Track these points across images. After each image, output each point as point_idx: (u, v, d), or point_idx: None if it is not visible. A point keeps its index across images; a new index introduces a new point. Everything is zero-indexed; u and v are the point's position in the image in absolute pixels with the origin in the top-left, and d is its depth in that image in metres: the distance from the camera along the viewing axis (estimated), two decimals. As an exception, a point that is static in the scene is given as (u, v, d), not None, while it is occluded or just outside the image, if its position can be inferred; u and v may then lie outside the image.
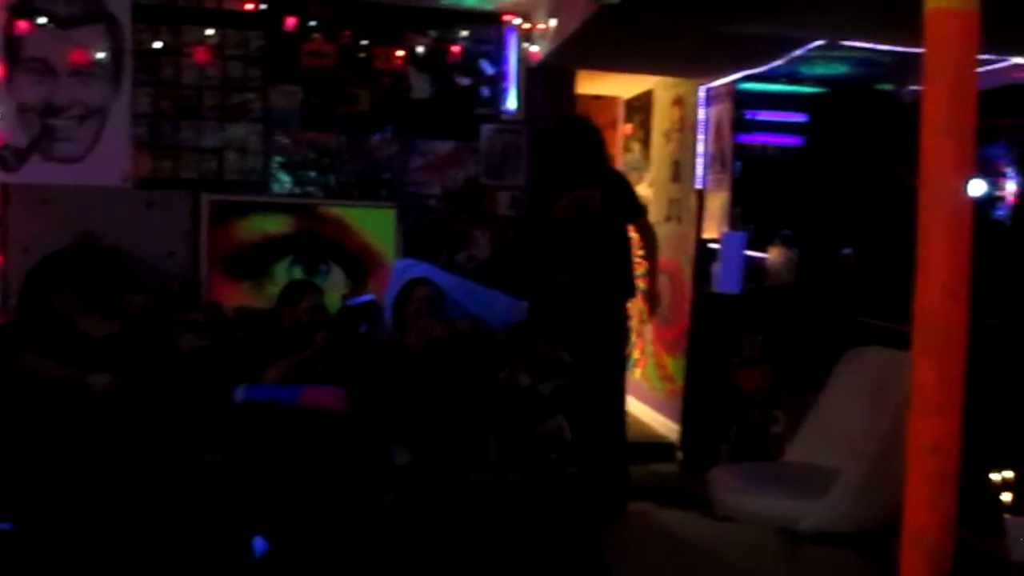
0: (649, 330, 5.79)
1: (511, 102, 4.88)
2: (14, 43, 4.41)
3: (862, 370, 2.76)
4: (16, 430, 3.19)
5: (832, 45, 3.81)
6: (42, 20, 4.40)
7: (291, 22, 4.58)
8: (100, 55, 4.46)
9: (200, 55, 4.54)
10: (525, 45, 4.76)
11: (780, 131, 4.80)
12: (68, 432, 3.16)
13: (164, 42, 4.54)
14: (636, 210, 4.21)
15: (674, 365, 5.29)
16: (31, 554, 2.98)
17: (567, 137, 4.13)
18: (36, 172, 4.47)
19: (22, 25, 4.39)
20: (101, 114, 4.52)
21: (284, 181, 4.73)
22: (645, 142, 5.98)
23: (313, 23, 4.64)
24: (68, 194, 4.46)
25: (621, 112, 6.56)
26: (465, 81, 4.85)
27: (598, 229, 4.00)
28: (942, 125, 1.61)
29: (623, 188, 4.17)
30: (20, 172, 4.47)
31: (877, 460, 2.32)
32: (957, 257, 1.68)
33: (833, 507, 2.33)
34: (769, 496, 2.49)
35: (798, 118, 4.79)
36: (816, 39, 3.73)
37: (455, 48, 4.80)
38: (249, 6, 4.58)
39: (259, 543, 3.17)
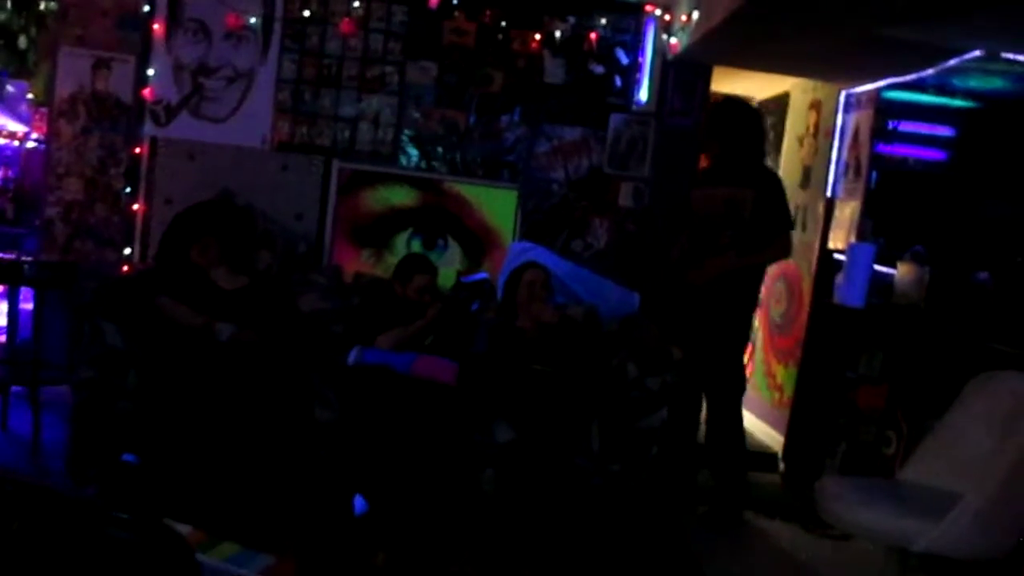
0: (760, 337, 5.67)
1: (643, 94, 4.84)
2: (176, 3, 4.65)
3: (994, 394, 2.63)
4: (150, 369, 3.37)
5: (991, 57, 3.62)
6: (203, -17, 4.62)
7: (435, 1, 4.66)
8: (252, 20, 4.66)
9: (345, 26, 4.67)
10: (664, 37, 4.71)
11: (923, 144, 4.60)
12: (194, 375, 3.32)
13: (312, 11, 4.69)
14: (784, 224, 3.92)
15: (785, 375, 5.16)
16: (152, 488, 3.16)
17: (729, 120, 3.89)
18: (184, 128, 4.72)
19: (184, -13, 4.62)
20: (248, 77, 4.73)
21: (412, 155, 4.83)
22: (776, 146, 5.84)
23: (456, 1, 4.71)
24: (211, 151, 4.69)
25: (754, 113, 6.41)
26: (599, 69, 4.84)
27: (744, 234, 3.81)
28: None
29: (779, 195, 3.89)
30: (169, 127, 4.72)
31: (1004, 486, 2.21)
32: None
33: (952, 530, 2.23)
34: (883, 511, 2.40)
35: (944, 132, 4.58)
36: (975, 49, 3.55)
37: (592, 35, 4.79)
38: (396, -19, 4.69)
39: (359, 502, 3.27)
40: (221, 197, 4.45)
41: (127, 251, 4.70)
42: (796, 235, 5.14)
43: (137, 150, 4.68)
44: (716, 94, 5.59)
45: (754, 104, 6.28)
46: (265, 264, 4.26)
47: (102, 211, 4.69)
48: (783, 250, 3.94)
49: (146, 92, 4.67)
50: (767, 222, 3.82)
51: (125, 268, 4.63)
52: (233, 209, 4.13)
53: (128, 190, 4.68)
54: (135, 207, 4.70)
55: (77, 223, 4.67)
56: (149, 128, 4.70)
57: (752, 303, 4.05)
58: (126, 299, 3.57)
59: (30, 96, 5.15)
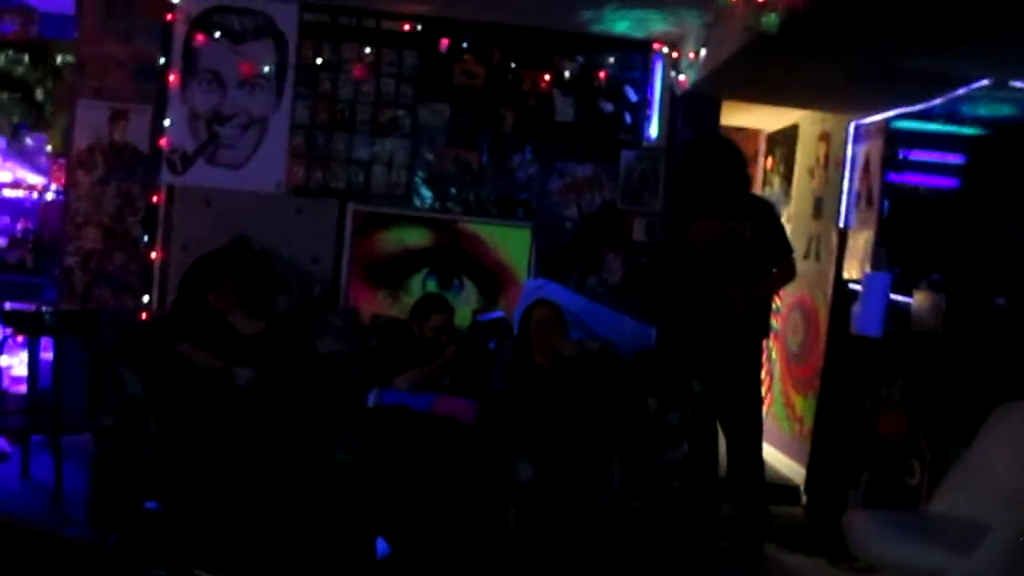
0: (779, 368, 5.65)
1: (653, 129, 4.88)
2: (191, 54, 4.74)
3: (1019, 424, 2.61)
4: (170, 415, 3.38)
5: (999, 85, 3.65)
6: (217, 34, 4.71)
7: (445, 43, 4.74)
8: (266, 68, 4.74)
9: (357, 71, 4.75)
10: (672, 73, 4.76)
11: (934, 172, 4.61)
12: (214, 420, 3.33)
13: (325, 58, 4.77)
14: (785, 249, 4.02)
15: (804, 405, 5.13)
16: (174, 536, 3.16)
17: (713, 156, 3.97)
18: (200, 175, 4.78)
19: (200, 38, 4.71)
20: (263, 124, 4.80)
21: (426, 196, 4.87)
22: (787, 177, 5.86)
23: (465, 44, 4.78)
24: (227, 197, 4.75)
25: (763, 145, 6.45)
26: (609, 106, 4.89)
27: (746, 265, 3.85)
28: None
29: (774, 223, 4.01)
30: (186, 175, 4.78)
31: (1035, 517, 2.19)
32: None
33: (984, 563, 2.20)
34: (915, 546, 2.38)
35: (955, 159, 4.59)
36: (983, 78, 3.58)
37: (601, 73, 4.85)
38: (406, 27, 4.76)
39: (382, 545, 3.25)
40: (237, 242, 4.50)
41: (145, 298, 4.74)
42: (811, 265, 5.17)
43: (154, 198, 4.74)
44: (726, 127, 5.64)
45: (763, 135, 6.33)
46: (282, 308, 4.28)
47: (120, 259, 4.73)
48: (790, 274, 4.07)
49: (163, 141, 4.75)
50: (768, 251, 3.91)
51: (144, 315, 4.67)
52: (249, 254, 4.18)
53: (146, 238, 4.73)
54: (153, 254, 4.74)
55: (96, 271, 4.72)
56: (166, 176, 4.77)
57: (765, 332, 4.10)
58: (145, 346, 3.60)
59: (48, 148, 5.24)
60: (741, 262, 3.85)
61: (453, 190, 4.88)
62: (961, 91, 3.80)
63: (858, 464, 4.18)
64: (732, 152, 4.02)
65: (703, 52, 4.27)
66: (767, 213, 4.02)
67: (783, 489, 4.78)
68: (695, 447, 3.76)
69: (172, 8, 4.71)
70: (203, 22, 4.74)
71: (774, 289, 4.08)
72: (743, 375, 3.95)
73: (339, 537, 3.28)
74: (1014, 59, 3.26)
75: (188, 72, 4.76)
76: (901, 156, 4.57)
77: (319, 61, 4.77)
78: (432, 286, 4.80)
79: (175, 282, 4.45)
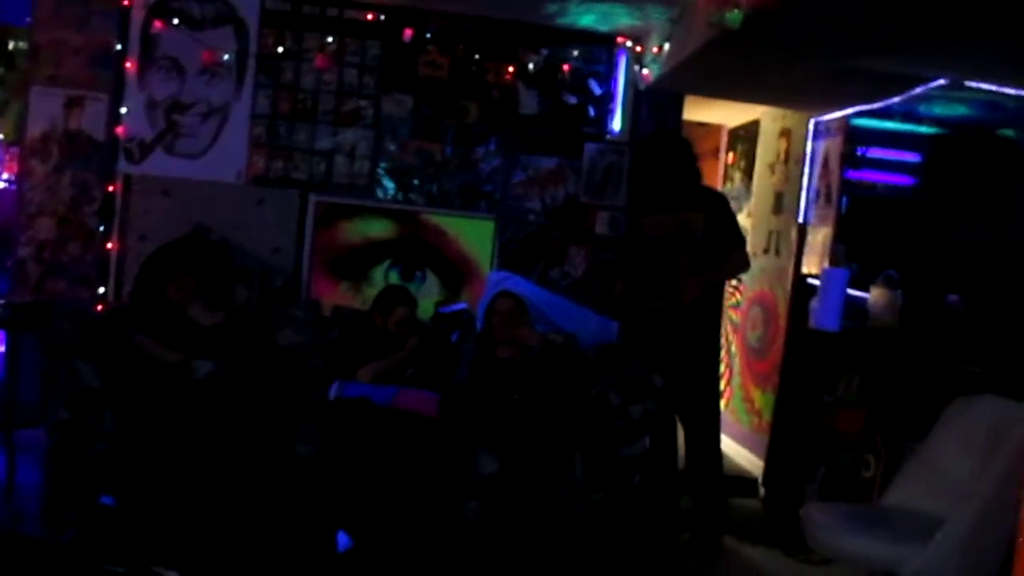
0: (739, 362, 5.71)
1: (617, 123, 4.89)
2: (149, 41, 4.66)
3: (972, 419, 2.67)
4: (127, 409, 3.33)
5: (956, 85, 3.71)
6: (176, 21, 4.63)
7: (408, 33, 4.70)
8: (227, 56, 4.67)
9: (320, 61, 4.70)
10: (636, 67, 4.77)
11: (892, 170, 4.69)
12: (172, 413, 3.28)
13: (287, 47, 4.71)
14: (738, 240, 4.10)
15: (763, 400, 5.20)
16: (130, 531, 3.11)
17: (663, 150, 4.04)
18: (158, 165, 4.70)
19: (158, 24, 4.62)
20: (223, 113, 4.72)
21: (389, 187, 4.84)
22: (747, 172, 5.92)
23: (429, 35, 4.75)
24: (185, 187, 4.67)
25: (725, 140, 6.50)
26: (573, 100, 4.90)
27: (699, 256, 3.93)
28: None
29: (726, 215, 4.08)
30: (143, 164, 4.70)
31: (987, 508, 2.24)
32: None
33: (938, 555, 2.25)
34: (870, 538, 2.42)
35: (912, 158, 4.67)
36: (940, 78, 3.64)
37: (565, 66, 4.85)
38: (370, 16, 4.72)
39: (343, 538, 3.23)
40: (196, 233, 4.44)
41: (101, 290, 4.66)
42: (771, 260, 5.23)
43: (111, 188, 4.65)
44: (688, 123, 5.68)
45: (725, 131, 6.39)
46: (242, 299, 4.23)
47: (75, 250, 4.64)
48: (742, 264, 4.11)
49: (119, 129, 4.65)
50: (720, 242, 3.96)
51: (100, 307, 4.58)
52: (208, 244, 4.11)
53: (102, 228, 4.64)
54: (109, 245, 4.66)
55: (50, 262, 4.62)
56: (123, 165, 4.68)
57: (718, 322, 4.16)
58: (102, 338, 3.53)
59: (0, 136, 5.12)
60: (693, 253, 3.92)
61: (416, 181, 4.85)
62: (919, 90, 3.86)
63: (815, 458, 4.24)
64: (681, 146, 4.08)
65: (667, 47, 4.29)
66: (719, 205, 4.08)
67: (742, 481, 4.85)
68: (655, 440, 3.79)
69: (129, -7, 4.62)
70: (161, 8, 4.65)
71: (725, 276, 4.14)
72: (700, 367, 4.00)
73: (300, 531, 3.26)
74: (970, 60, 3.32)
75: (146, 59, 4.67)
76: (860, 154, 4.64)
77: (281, 50, 4.71)
78: (395, 278, 4.78)
79: (132, 273, 4.37)
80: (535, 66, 4.84)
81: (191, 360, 3.48)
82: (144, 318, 3.62)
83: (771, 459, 4.80)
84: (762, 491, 4.81)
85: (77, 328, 3.55)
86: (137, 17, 4.64)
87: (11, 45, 5.21)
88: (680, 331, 3.92)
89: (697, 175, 4.18)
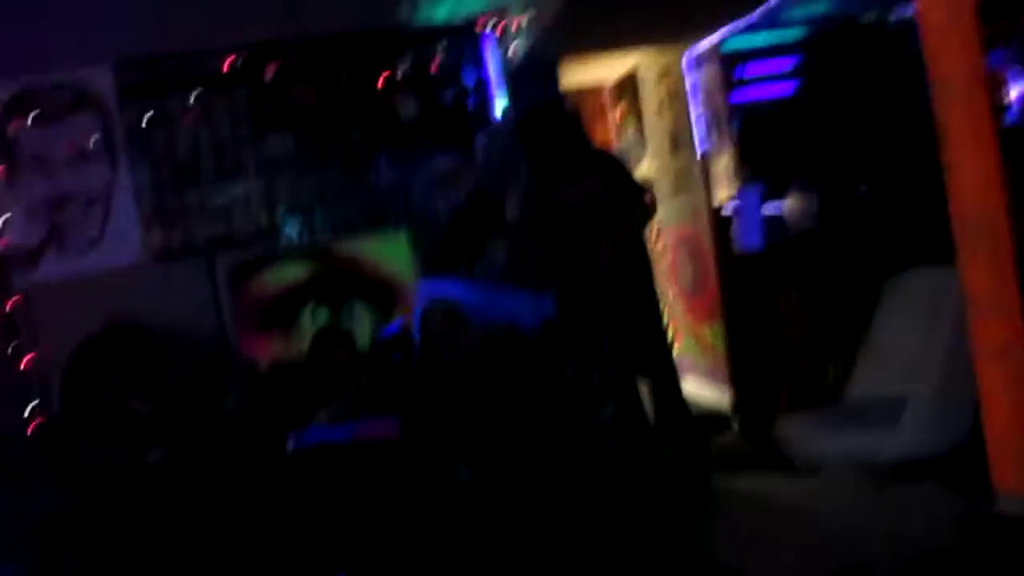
0: (679, 305, 5.75)
1: (500, 106, 4.87)
2: (10, 145, 4.46)
3: (911, 292, 2.72)
4: (84, 517, 3.20)
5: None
6: (32, 117, 4.44)
7: (272, 69, 4.60)
8: (93, 139, 4.50)
9: (189, 120, 4.57)
10: (504, 47, 4.76)
11: (773, 81, 4.77)
12: (134, 508, 3.18)
13: (152, 116, 4.56)
14: (635, 190, 4.18)
15: (712, 333, 5.24)
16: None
17: (544, 126, 4.14)
18: (53, 268, 4.50)
19: (14, 126, 4.44)
20: (105, 198, 4.56)
21: (293, 228, 4.74)
22: (639, 122, 5.96)
23: (292, 67, 4.66)
24: (87, 282, 4.49)
25: (609, 98, 6.54)
26: (450, 95, 4.85)
27: (607, 217, 3.97)
28: (941, 25, 1.58)
29: (619, 171, 4.17)
30: (38, 271, 4.50)
31: (944, 377, 2.28)
32: (985, 154, 1.66)
33: (909, 433, 2.29)
34: (843, 434, 2.45)
35: (788, 64, 4.76)
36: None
37: (434, 65, 4.80)
38: (227, 64, 4.61)
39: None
40: (111, 326, 4.27)
41: (27, 409, 4.45)
42: (683, 199, 5.28)
43: (9, 304, 4.45)
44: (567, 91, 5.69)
45: (606, 90, 6.42)
46: (176, 378, 4.10)
47: (-13, 376, 4.43)
48: (644, 212, 4.21)
49: (2, 243, 4.46)
50: (622, 197, 4.04)
51: (30, 428, 4.38)
52: (126, 334, 3.98)
53: (12, 346, 4.44)
54: (24, 362, 4.45)
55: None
56: (17, 278, 4.48)
57: (648, 272, 4.22)
58: (51, 453, 3.40)
59: None
60: (601, 216, 3.97)
61: (318, 215, 4.76)
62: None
63: (777, 375, 4.30)
64: (560, 117, 4.19)
65: (527, 17, 4.28)
66: (611, 163, 4.19)
67: (714, 418, 4.88)
68: (619, 403, 3.80)
69: (-26, 105, 4.43)
70: (12, 109, 4.46)
71: (632, 229, 4.18)
72: (644, 318, 4.03)
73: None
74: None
75: (11, 164, 4.47)
76: (738, 75, 4.71)
77: (146, 120, 4.56)
78: (323, 316, 4.68)
79: (57, 385, 4.20)
80: (404, 72, 4.79)
81: (140, 453, 3.37)
82: (80, 426, 3.49)
83: (737, 388, 4.85)
84: (735, 422, 4.86)
85: (12, 455, 3.40)
86: (-9, 125, 4.45)
87: None
88: (619, 292, 3.94)
89: (584, 140, 4.26)
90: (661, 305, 4.38)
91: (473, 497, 3.33)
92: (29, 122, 4.45)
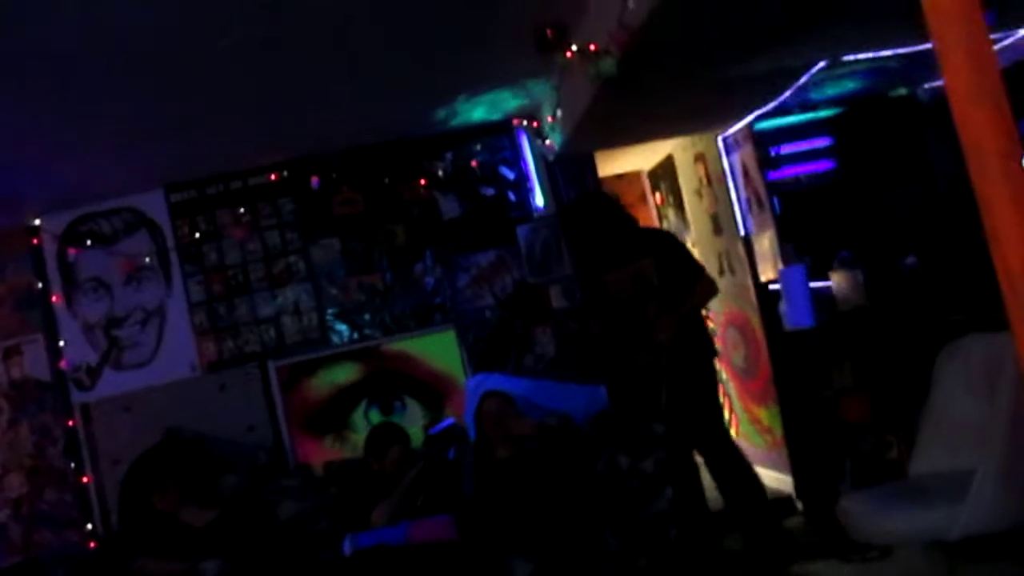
0: (733, 387, 5.66)
1: (539, 199, 4.95)
2: (68, 269, 4.65)
3: (964, 361, 2.65)
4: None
5: (835, 63, 3.83)
6: (89, 242, 4.64)
7: (316, 180, 4.76)
8: (147, 259, 4.67)
9: (238, 233, 4.72)
10: (539, 142, 4.87)
11: (808, 159, 4.79)
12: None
13: (202, 231, 4.73)
14: (695, 269, 4.11)
15: (768, 416, 5.14)
16: None
17: (586, 213, 4.13)
18: (111, 384, 4.63)
19: (72, 251, 4.63)
20: (160, 314, 4.70)
21: (342, 330, 4.81)
22: (678, 205, 6.00)
23: (336, 176, 4.81)
24: (145, 397, 4.59)
25: (647, 184, 6.62)
26: (490, 191, 4.96)
27: (662, 299, 3.93)
28: (969, 94, 1.59)
29: (675, 250, 4.12)
30: (97, 389, 4.62)
31: (1009, 445, 2.19)
32: (1025, 220, 1.62)
33: (978, 507, 2.19)
34: (909, 511, 2.35)
35: (823, 142, 4.78)
36: (817, 61, 3.75)
37: (473, 163, 4.93)
38: (273, 177, 4.78)
39: None
40: (168, 438, 4.34)
41: (89, 526, 4.50)
42: (728, 280, 5.25)
43: (70, 423, 4.55)
44: (606, 178, 5.77)
45: (644, 175, 6.50)
46: (232, 487, 4.13)
47: (52, 495, 4.51)
48: (708, 290, 4.10)
49: (63, 363, 4.60)
50: (678, 277, 3.98)
51: (92, 544, 4.42)
52: (183, 445, 4.03)
53: (73, 465, 4.52)
54: (84, 479, 4.53)
55: (29, 517, 4.48)
56: (77, 396, 4.60)
57: (707, 350, 4.12)
58: (100, 572, 3.40)
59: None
60: (656, 298, 3.93)
61: (367, 316, 4.83)
62: (804, 79, 3.97)
63: (838, 454, 4.18)
64: (602, 202, 4.18)
65: (559, 113, 4.39)
66: (665, 243, 4.14)
67: (777, 502, 4.74)
68: (678, 489, 3.71)
69: (36, 232, 4.64)
70: (71, 235, 4.66)
71: (695, 305, 4.07)
72: (702, 398, 3.95)
73: None
74: (838, 39, 3.44)
75: (70, 287, 4.65)
76: (773, 154, 4.74)
77: (198, 235, 4.73)
78: (375, 416, 4.70)
79: (115, 501, 4.25)
80: (445, 172, 4.91)
81: (196, 565, 3.36)
82: (138, 539, 3.51)
83: (797, 470, 4.72)
84: (799, 505, 4.71)
85: (72, 570, 3.41)
86: (50, 250, 4.64)
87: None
88: (675, 372, 3.88)
89: (630, 223, 4.23)
90: (718, 384, 4.28)
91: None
92: (87, 246, 4.64)
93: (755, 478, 4.02)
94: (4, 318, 4.56)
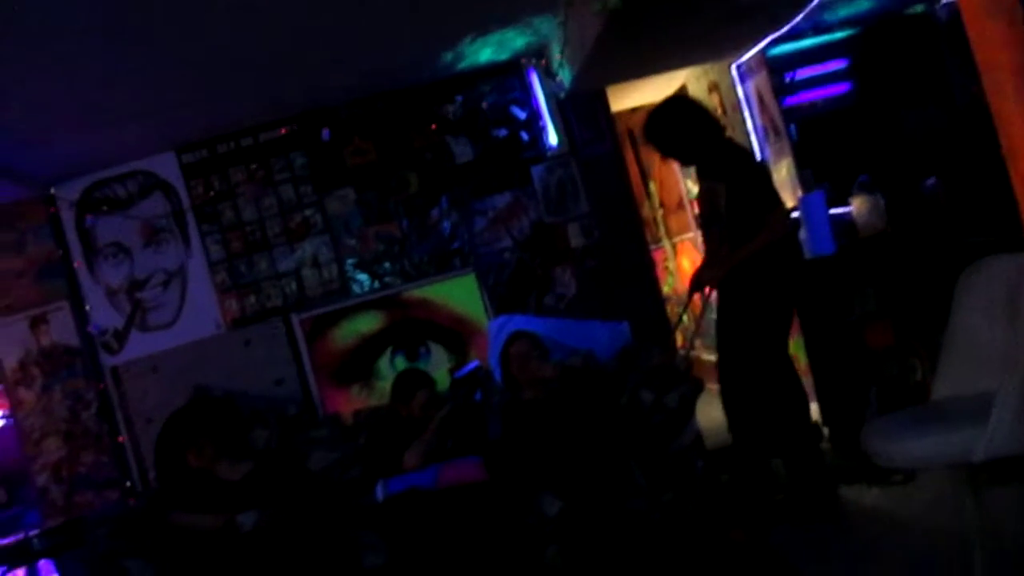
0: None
1: (552, 138, 4.90)
2: (87, 235, 4.68)
3: (986, 283, 2.61)
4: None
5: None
6: (105, 208, 4.66)
7: (326, 132, 4.74)
8: (164, 221, 4.69)
9: (252, 190, 4.72)
10: (549, 80, 4.80)
11: (824, 83, 4.69)
12: (231, 574, 3.24)
13: (215, 190, 4.73)
14: (769, 203, 3.58)
15: (793, 345, 5.12)
16: None
17: (667, 122, 3.69)
18: (138, 346, 4.70)
19: (90, 218, 4.66)
20: (181, 274, 4.74)
21: (363, 280, 4.83)
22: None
23: (345, 127, 4.78)
24: (172, 357, 4.66)
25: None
26: (502, 133, 4.91)
27: (729, 226, 3.56)
28: (983, 7, 1.54)
29: (750, 179, 3.58)
30: (124, 351, 4.70)
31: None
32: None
33: (1000, 428, 2.19)
34: (932, 434, 2.34)
35: (839, 65, 4.67)
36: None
37: (484, 104, 4.87)
38: (283, 131, 4.76)
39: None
40: (197, 396, 4.41)
41: (128, 485, 4.62)
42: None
43: (102, 386, 4.64)
44: (620, 113, 5.70)
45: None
46: (263, 441, 4.20)
47: (89, 457, 4.61)
48: (779, 225, 3.57)
49: (90, 328, 4.66)
50: (748, 209, 3.52)
51: (132, 501, 4.54)
52: (213, 403, 4.10)
53: (107, 427, 4.62)
54: (120, 440, 4.63)
55: (70, 479, 4.59)
56: (106, 360, 4.68)
57: (776, 290, 3.65)
58: (141, 529, 3.49)
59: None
60: (722, 225, 3.58)
61: (386, 265, 4.84)
62: (816, 1, 3.87)
63: (863, 381, 4.17)
64: (682, 117, 3.71)
65: (567, 50, 4.31)
66: (742, 171, 3.62)
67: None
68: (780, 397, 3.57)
69: (52, 202, 4.66)
70: (87, 202, 4.69)
71: (752, 249, 3.52)
72: (757, 334, 3.69)
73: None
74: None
75: (91, 253, 4.69)
76: (788, 80, 4.64)
77: (212, 195, 4.73)
78: (401, 363, 4.75)
79: (151, 459, 4.35)
80: (455, 115, 4.87)
81: (234, 517, 3.44)
82: (175, 495, 3.59)
83: (822, 399, 4.72)
84: (826, 432, 4.72)
85: (114, 530, 3.50)
86: (68, 218, 4.68)
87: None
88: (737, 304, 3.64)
89: (709, 139, 3.67)
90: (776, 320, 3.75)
91: (564, 529, 3.31)
92: (103, 212, 4.67)
93: (797, 407, 3.77)
94: (27, 289, 4.62)
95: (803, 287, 3.76)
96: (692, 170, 4.08)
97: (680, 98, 4.17)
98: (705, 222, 3.79)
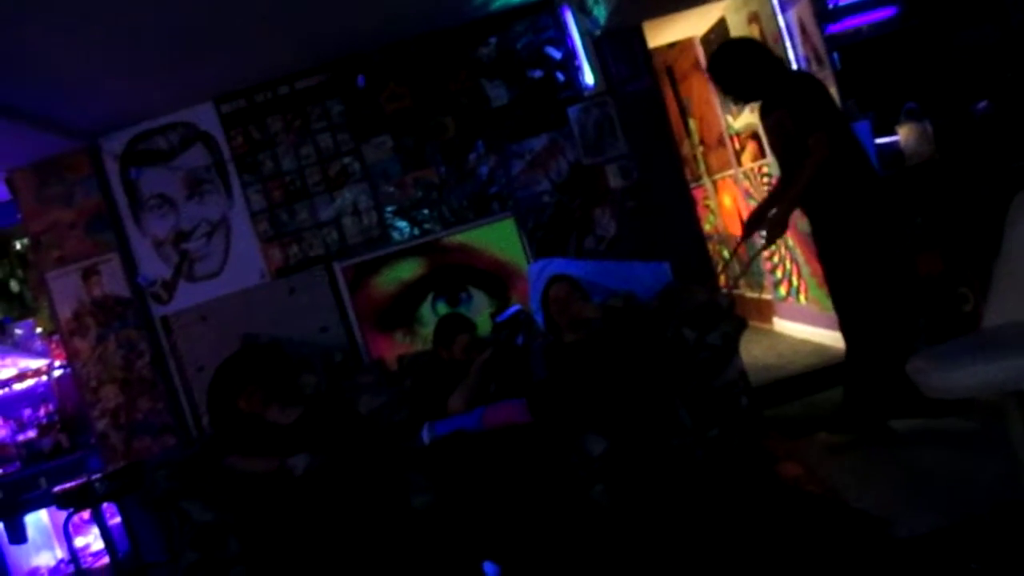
0: (799, 253, 5.57)
1: (588, 77, 4.83)
2: (132, 188, 4.75)
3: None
4: (246, 529, 3.38)
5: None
6: (148, 159, 4.72)
7: (361, 78, 4.72)
8: (206, 172, 4.74)
9: (291, 139, 4.74)
10: (583, 17, 4.71)
11: (869, 8, 4.53)
12: (288, 515, 3.32)
13: (256, 139, 4.76)
14: (812, 126, 3.42)
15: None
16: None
17: (725, 62, 3.67)
18: (187, 296, 4.80)
19: (134, 170, 4.73)
20: (224, 225, 4.80)
21: (403, 227, 4.85)
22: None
23: (381, 72, 4.76)
24: (219, 306, 4.75)
25: (700, 51, 6.38)
26: (538, 73, 4.85)
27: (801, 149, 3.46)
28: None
29: (802, 101, 3.49)
30: (174, 302, 4.79)
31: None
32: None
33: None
34: (981, 363, 2.30)
35: (883, -13, 4.51)
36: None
37: (518, 45, 4.81)
38: (318, 79, 4.75)
39: (489, 568, 3.23)
40: (246, 343, 4.50)
41: (183, 430, 4.75)
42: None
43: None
44: (658, 49, 5.58)
45: (696, 42, 6.26)
46: (312, 386, 4.27)
47: (145, 404, 4.75)
48: (819, 150, 3.41)
49: (138, 279, 4.75)
50: (810, 130, 3.42)
51: (187, 447, 4.67)
52: (261, 350, 4.17)
53: (160, 374, 4.74)
54: (173, 387, 4.75)
55: (128, 425, 4.74)
56: (156, 310, 4.78)
57: (859, 218, 3.55)
58: (198, 473, 3.59)
59: (39, 330, 5.27)
60: (795, 149, 3.49)
61: (425, 211, 4.85)
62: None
63: (911, 311, 4.10)
64: (738, 49, 3.72)
65: (603, -14, 4.23)
66: (796, 94, 3.53)
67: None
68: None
69: (97, 154, 4.73)
70: (131, 155, 4.75)
71: (801, 184, 3.45)
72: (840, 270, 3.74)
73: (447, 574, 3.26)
74: None
75: (136, 206, 4.77)
76: (831, 6, 4.50)
77: (252, 144, 4.76)
78: (443, 308, 4.79)
79: (204, 405, 4.45)
80: (489, 57, 4.82)
81: (286, 461, 3.52)
82: (229, 439, 3.67)
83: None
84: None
85: (172, 473, 3.61)
86: (113, 170, 4.75)
87: (17, 245, 5.35)
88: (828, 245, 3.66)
89: (768, 69, 3.63)
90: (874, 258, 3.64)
91: (609, 468, 3.33)
92: (147, 164, 4.73)
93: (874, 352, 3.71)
94: (78, 241, 4.72)
95: (891, 210, 3.62)
96: (747, 107, 3.96)
97: (733, 41, 4.06)
98: (780, 156, 3.71)
